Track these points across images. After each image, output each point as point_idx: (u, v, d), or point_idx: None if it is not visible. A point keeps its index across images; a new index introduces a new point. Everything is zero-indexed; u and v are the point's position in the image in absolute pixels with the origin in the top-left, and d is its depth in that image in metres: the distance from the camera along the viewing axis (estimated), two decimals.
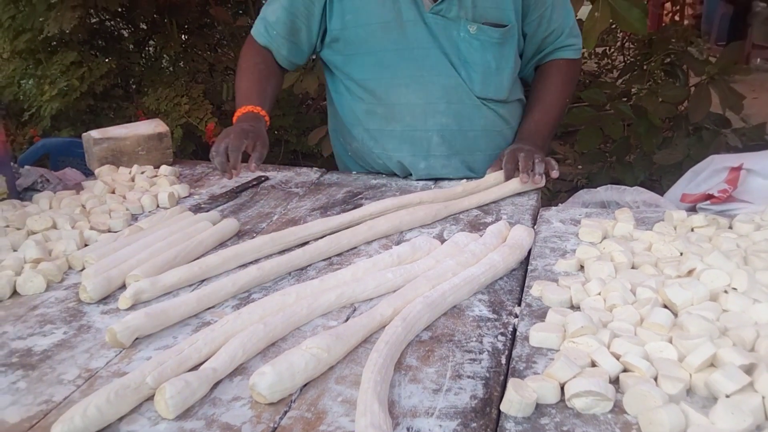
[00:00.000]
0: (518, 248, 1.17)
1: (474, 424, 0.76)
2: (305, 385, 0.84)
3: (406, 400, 0.81)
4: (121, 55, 3.57)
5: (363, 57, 1.62)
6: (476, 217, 1.39)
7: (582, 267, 1.12)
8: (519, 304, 1.03)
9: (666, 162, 3.00)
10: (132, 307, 1.05)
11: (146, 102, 3.32)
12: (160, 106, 3.26)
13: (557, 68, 1.73)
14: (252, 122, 1.55)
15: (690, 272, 1.03)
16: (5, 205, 1.43)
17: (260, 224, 1.39)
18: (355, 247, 1.26)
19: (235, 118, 1.60)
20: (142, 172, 1.66)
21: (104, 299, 1.08)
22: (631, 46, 4.72)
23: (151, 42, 3.93)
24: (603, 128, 3.20)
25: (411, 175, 1.69)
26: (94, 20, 3.63)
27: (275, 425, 0.77)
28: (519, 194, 1.50)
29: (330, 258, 1.22)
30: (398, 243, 1.26)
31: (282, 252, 1.24)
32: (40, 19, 3.09)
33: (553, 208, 1.41)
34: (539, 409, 0.77)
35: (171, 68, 3.86)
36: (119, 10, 3.51)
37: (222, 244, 1.29)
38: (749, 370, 0.78)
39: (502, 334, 0.95)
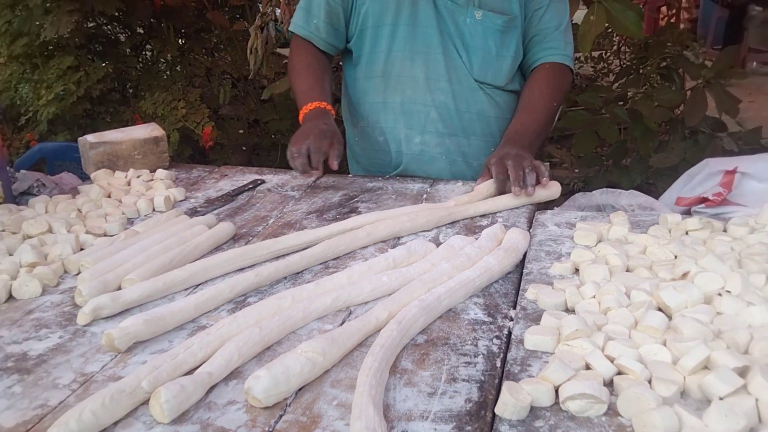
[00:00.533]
0: (513, 251, 1.18)
1: (469, 428, 0.76)
2: (300, 388, 0.84)
3: (401, 404, 0.81)
4: (118, 60, 3.57)
5: (376, 29, 1.70)
6: (472, 220, 1.40)
7: (577, 270, 1.12)
8: (514, 307, 1.03)
9: (662, 165, 3.00)
10: (127, 311, 1.05)
11: (143, 106, 3.32)
12: (157, 110, 3.26)
13: (544, 72, 1.72)
14: (324, 119, 1.61)
15: (684, 275, 1.04)
16: (1, 210, 1.43)
17: (256, 227, 1.39)
18: (351, 250, 1.26)
19: (301, 116, 1.66)
20: (138, 176, 1.66)
21: None
22: (627, 49, 4.73)
23: (148, 46, 3.93)
24: (599, 132, 3.21)
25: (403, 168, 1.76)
26: (91, 24, 3.63)
27: (270, 429, 0.77)
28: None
29: (326, 261, 1.22)
30: (394, 246, 1.26)
31: (279, 257, 1.24)
32: (37, 24, 3.10)
33: (549, 211, 1.42)
34: (534, 412, 0.77)
35: (168, 72, 3.86)
36: (116, 14, 3.51)
37: (217, 248, 1.29)
38: (743, 372, 0.79)
39: (497, 337, 0.95)
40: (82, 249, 1.28)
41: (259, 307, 1.00)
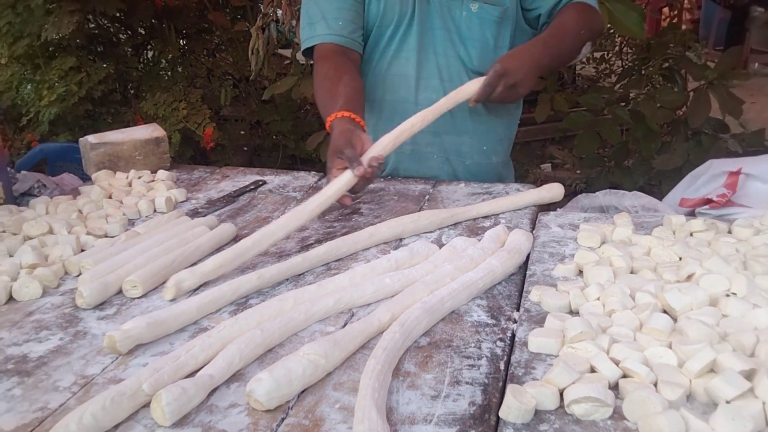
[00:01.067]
0: (517, 253, 1.17)
1: (472, 431, 0.75)
2: (303, 391, 0.84)
3: (404, 407, 0.80)
4: (119, 60, 3.58)
5: (377, 29, 1.68)
6: (474, 221, 1.39)
7: (581, 272, 1.12)
8: (517, 310, 1.03)
9: (665, 167, 3.00)
10: (129, 314, 1.04)
11: (144, 107, 3.33)
12: (158, 111, 3.26)
13: (573, 7, 1.64)
14: (344, 124, 1.45)
15: (689, 277, 1.03)
16: (2, 210, 1.42)
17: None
18: (354, 252, 1.25)
19: (328, 129, 1.51)
20: (139, 177, 1.66)
21: (101, 305, 1.08)
22: (629, 50, 4.73)
23: (150, 47, 3.93)
24: (601, 133, 3.21)
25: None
26: (93, 25, 3.63)
27: None
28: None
29: (328, 263, 1.22)
30: (396, 248, 1.25)
31: (281, 258, 1.23)
32: (39, 24, 3.09)
33: (552, 212, 1.41)
34: (538, 415, 0.77)
35: (169, 73, 3.86)
36: (117, 15, 3.51)
37: (218, 249, 1.28)
38: (749, 375, 0.78)
39: (500, 339, 0.94)
40: (82, 250, 1.28)
41: (260, 309, 1.00)
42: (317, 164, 3.56)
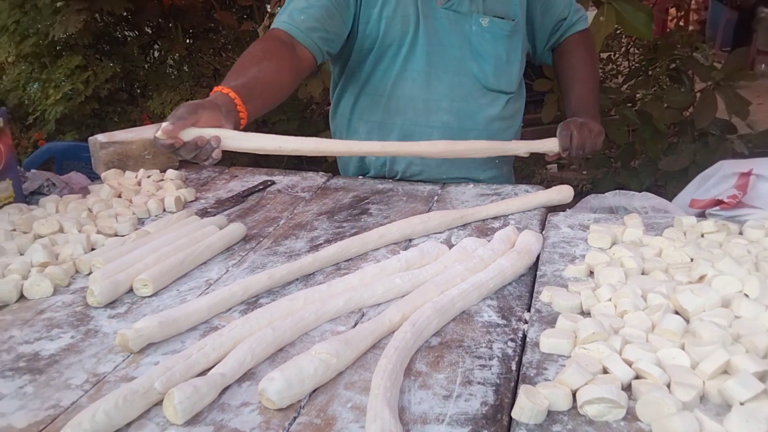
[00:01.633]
0: (527, 253, 1.17)
1: (485, 431, 0.75)
2: (314, 390, 0.84)
3: (416, 406, 0.80)
4: (126, 59, 3.59)
5: (378, 49, 1.64)
6: (484, 222, 1.39)
7: (591, 273, 1.11)
8: (528, 310, 1.02)
9: (671, 168, 2.99)
10: (139, 307, 1.05)
11: (151, 106, 3.33)
12: (165, 110, 3.27)
13: (576, 43, 1.76)
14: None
15: (701, 278, 1.02)
16: (12, 209, 1.42)
17: (267, 228, 1.39)
18: (363, 252, 1.25)
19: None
20: (149, 176, 1.66)
21: (111, 303, 1.08)
22: (636, 51, 4.71)
23: (156, 46, 3.94)
24: (607, 134, 3.19)
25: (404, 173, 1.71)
26: (99, 24, 3.64)
27: (285, 431, 0.77)
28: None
29: (338, 263, 1.22)
30: (406, 248, 1.25)
31: (291, 258, 1.23)
32: (46, 23, 3.10)
33: (561, 213, 1.41)
34: (551, 416, 0.77)
35: (176, 72, 3.87)
36: (124, 14, 3.52)
37: (228, 249, 1.28)
38: (763, 377, 0.78)
39: (511, 340, 0.94)
40: (93, 249, 1.28)
41: (271, 309, 1.00)
42: (323, 164, 3.55)
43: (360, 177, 1.76)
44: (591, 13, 2.55)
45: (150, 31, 3.89)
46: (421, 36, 1.60)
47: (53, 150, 2.58)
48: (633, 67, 4.16)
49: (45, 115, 3.18)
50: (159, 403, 0.81)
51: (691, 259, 1.11)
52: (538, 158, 4.52)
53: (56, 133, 3.27)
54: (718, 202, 1.37)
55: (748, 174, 1.41)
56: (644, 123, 3.11)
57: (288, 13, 1.53)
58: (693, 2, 7.05)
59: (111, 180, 1.62)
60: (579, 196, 1.64)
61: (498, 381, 0.85)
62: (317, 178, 1.72)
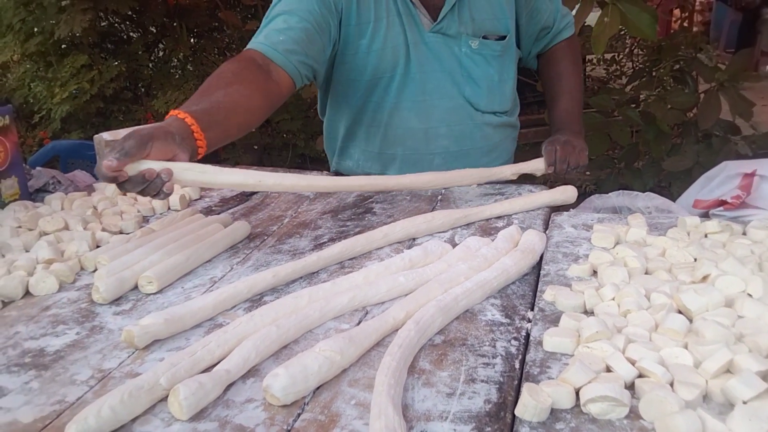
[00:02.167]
0: (530, 253, 1.17)
1: (488, 429, 0.76)
2: (318, 387, 0.84)
3: (419, 404, 0.80)
4: (131, 58, 3.60)
5: (370, 81, 1.60)
6: (487, 221, 1.39)
7: (595, 272, 1.12)
8: (532, 309, 1.03)
9: (675, 169, 2.99)
10: (144, 304, 1.05)
11: (155, 105, 3.35)
12: (169, 109, 3.27)
13: (562, 51, 1.77)
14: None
15: (704, 278, 1.03)
16: (17, 206, 1.43)
17: (271, 227, 1.39)
18: (368, 251, 1.26)
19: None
20: None
21: (116, 300, 1.09)
22: (640, 52, 4.72)
23: (161, 45, 3.96)
24: (611, 134, 3.19)
25: None
26: (104, 23, 3.66)
27: (289, 428, 0.77)
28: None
29: (342, 261, 1.22)
30: (410, 247, 1.26)
31: (296, 257, 1.23)
32: (51, 22, 3.12)
33: (565, 213, 1.41)
34: (554, 414, 0.77)
35: (180, 71, 3.88)
36: (129, 13, 3.53)
37: (232, 247, 1.29)
38: (766, 376, 0.78)
39: (515, 338, 0.95)
40: (98, 246, 1.29)
41: (275, 306, 1.00)
42: (326, 163, 3.56)
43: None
44: (595, 14, 2.56)
45: (155, 31, 3.90)
46: (413, 65, 1.57)
47: (58, 148, 2.59)
48: (637, 67, 4.16)
49: (50, 114, 3.20)
50: (164, 398, 0.81)
51: (695, 259, 1.11)
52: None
53: (61, 132, 3.28)
54: (722, 203, 1.37)
55: (752, 175, 1.41)
56: (648, 124, 3.11)
57: (265, 33, 1.44)
58: (697, 3, 7.05)
59: None
60: (583, 196, 1.65)
61: (501, 379, 0.85)
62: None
